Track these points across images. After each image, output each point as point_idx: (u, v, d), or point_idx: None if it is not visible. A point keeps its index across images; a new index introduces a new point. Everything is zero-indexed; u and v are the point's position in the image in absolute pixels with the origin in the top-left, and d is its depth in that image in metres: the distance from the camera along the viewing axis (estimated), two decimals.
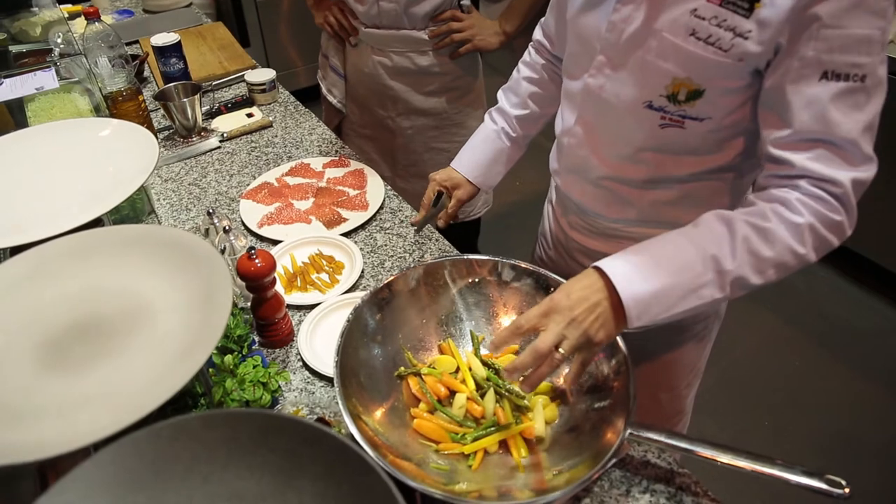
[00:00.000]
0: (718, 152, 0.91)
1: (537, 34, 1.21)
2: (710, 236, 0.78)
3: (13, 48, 1.96)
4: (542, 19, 1.19)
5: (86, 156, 1.06)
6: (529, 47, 1.23)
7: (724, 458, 0.73)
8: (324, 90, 1.86)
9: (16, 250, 0.86)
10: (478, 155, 1.26)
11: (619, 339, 0.84)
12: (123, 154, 1.04)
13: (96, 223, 0.93)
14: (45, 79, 1.40)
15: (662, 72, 0.84)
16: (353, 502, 0.54)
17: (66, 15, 2.01)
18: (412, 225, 1.27)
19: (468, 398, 0.87)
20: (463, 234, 2.17)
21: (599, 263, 0.79)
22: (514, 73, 1.25)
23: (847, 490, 0.69)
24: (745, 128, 0.88)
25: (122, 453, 0.55)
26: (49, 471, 0.83)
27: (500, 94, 1.27)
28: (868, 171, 0.76)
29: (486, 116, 1.28)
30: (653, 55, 0.83)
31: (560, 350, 0.75)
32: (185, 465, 0.57)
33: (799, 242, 0.76)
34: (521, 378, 0.78)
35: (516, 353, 0.94)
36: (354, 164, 1.47)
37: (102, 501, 0.54)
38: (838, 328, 2.44)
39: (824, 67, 0.72)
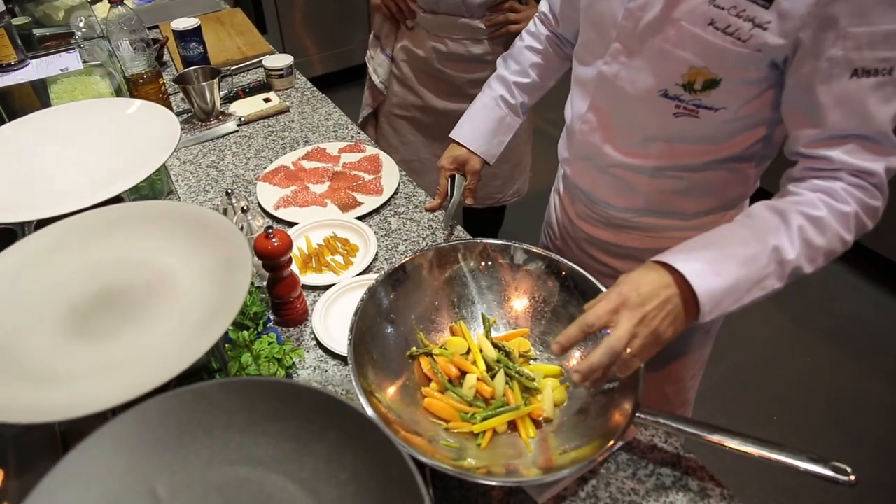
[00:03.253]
0: (731, 142, 0.92)
1: (543, 7, 1.20)
2: (767, 227, 0.79)
3: (37, 31, 1.99)
4: None
5: (109, 135, 1.08)
6: (535, 18, 1.23)
7: (732, 443, 0.74)
8: (370, 70, 1.86)
9: (41, 224, 0.88)
10: (477, 124, 1.24)
11: None
12: (145, 134, 1.06)
13: (116, 201, 0.95)
14: (69, 60, 1.42)
15: (679, 60, 0.84)
16: (367, 469, 0.55)
17: None
18: (427, 210, 1.28)
19: (478, 379, 0.88)
20: (489, 220, 2.19)
21: (666, 258, 0.78)
22: (517, 41, 1.24)
23: (853, 477, 0.70)
24: (760, 119, 0.89)
25: (147, 415, 0.57)
26: (70, 437, 0.86)
27: (499, 62, 1.26)
28: None
29: (485, 86, 1.27)
30: (670, 44, 0.84)
31: (628, 349, 0.74)
32: (206, 430, 0.59)
33: (846, 230, 0.78)
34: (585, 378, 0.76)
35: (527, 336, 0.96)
36: (370, 150, 1.48)
37: (128, 458, 0.56)
38: (849, 324, 2.43)
39: (854, 66, 0.73)
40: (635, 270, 0.79)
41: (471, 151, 1.23)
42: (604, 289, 0.89)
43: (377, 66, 1.83)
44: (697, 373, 1.29)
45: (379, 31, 1.81)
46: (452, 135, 1.26)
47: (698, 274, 0.76)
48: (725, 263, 0.77)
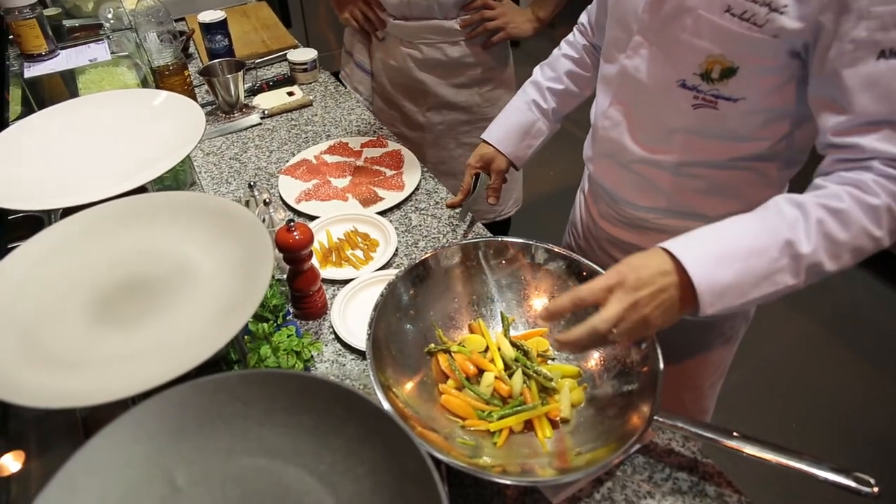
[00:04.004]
0: (753, 138, 0.90)
1: (583, 18, 1.21)
2: (782, 219, 0.74)
3: (66, 22, 2.02)
4: (589, 6, 1.19)
5: (135, 125, 1.10)
6: (574, 29, 1.23)
7: (750, 450, 0.73)
8: (349, 88, 1.85)
9: (67, 212, 0.90)
10: (506, 126, 1.25)
11: None
12: (171, 125, 1.07)
13: (140, 191, 0.96)
14: (98, 51, 1.44)
15: (696, 49, 0.84)
16: (384, 464, 0.56)
17: None
18: (448, 206, 1.27)
19: (496, 377, 0.88)
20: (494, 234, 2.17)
21: (668, 246, 0.75)
22: (556, 50, 1.25)
23: (876, 489, 0.68)
24: (782, 113, 0.87)
25: (167, 404, 0.57)
26: (91, 423, 0.87)
27: (536, 69, 1.27)
28: None
29: (519, 90, 1.28)
30: (687, 33, 0.84)
31: (614, 331, 0.72)
32: (225, 420, 0.59)
33: (875, 225, 0.73)
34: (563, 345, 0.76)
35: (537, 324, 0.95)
36: (392, 145, 1.49)
37: (148, 446, 0.56)
38: (873, 332, 2.39)
39: (881, 46, 0.70)
40: (640, 253, 0.77)
41: (498, 151, 1.23)
42: None
43: (356, 83, 1.81)
44: (717, 381, 1.27)
45: (350, 47, 1.79)
46: (483, 135, 1.27)
47: (699, 264, 0.73)
48: (730, 255, 0.73)
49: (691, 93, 0.88)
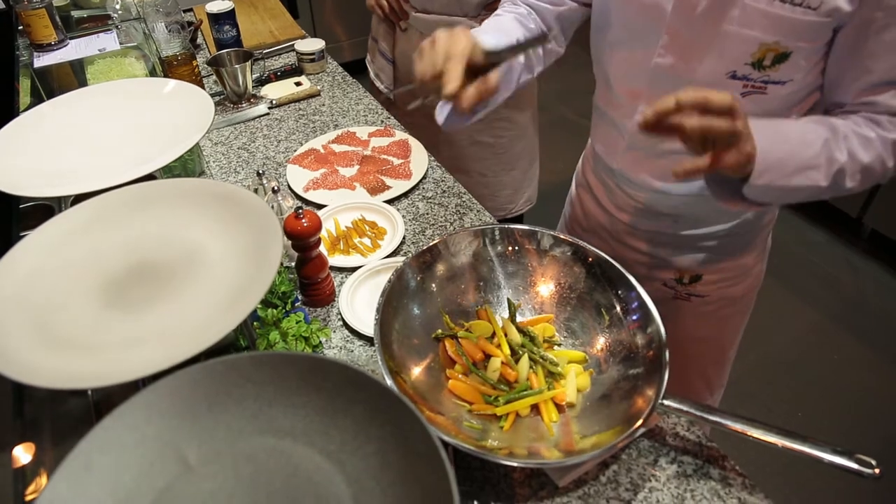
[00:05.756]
0: (790, 113, 0.92)
1: None
2: (825, 128, 0.81)
3: (75, 13, 2.03)
4: None
5: (144, 114, 1.11)
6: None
7: (756, 433, 0.74)
8: (371, 74, 1.86)
9: (77, 200, 0.91)
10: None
11: (653, 310, 0.85)
12: (180, 113, 1.08)
13: (149, 179, 0.97)
14: (106, 41, 1.45)
15: (747, 39, 0.83)
16: (393, 443, 0.56)
17: None
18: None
19: (503, 363, 0.89)
20: None
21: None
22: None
23: (878, 471, 0.69)
24: (816, 86, 0.89)
25: (179, 384, 0.58)
26: (104, 407, 0.88)
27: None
28: None
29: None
30: (735, 25, 0.83)
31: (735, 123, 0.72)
32: (236, 401, 0.60)
33: (891, 155, 0.81)
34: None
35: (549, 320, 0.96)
36: (399, 134, 1.49)
37: (160, 426, 0.58)
38: (879, 321, 2.39)
39: None
40: None
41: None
42: (631, 277, 0.89)
43: (378, 70, 1.81)
44: (733, 354, 1.30)
45: (376, 34, 1.79)
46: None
47: (762, 133, 0.76)
48: (786, 136, 0.79)
49: (741, 82, 0.87)
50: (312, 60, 1.78)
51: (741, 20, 0.82)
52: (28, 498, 0.80)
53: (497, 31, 0.99)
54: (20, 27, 1.86)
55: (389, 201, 1.29)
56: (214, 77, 1.67)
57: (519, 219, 1.97)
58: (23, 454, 0.86)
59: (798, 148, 0.78)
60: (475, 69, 0.84)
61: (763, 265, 1.18)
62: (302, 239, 0.98)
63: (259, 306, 0.95)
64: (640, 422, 0.74)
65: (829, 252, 2.70)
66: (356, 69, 1.95)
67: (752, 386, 2.16)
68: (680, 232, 1.10)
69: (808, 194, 0.82)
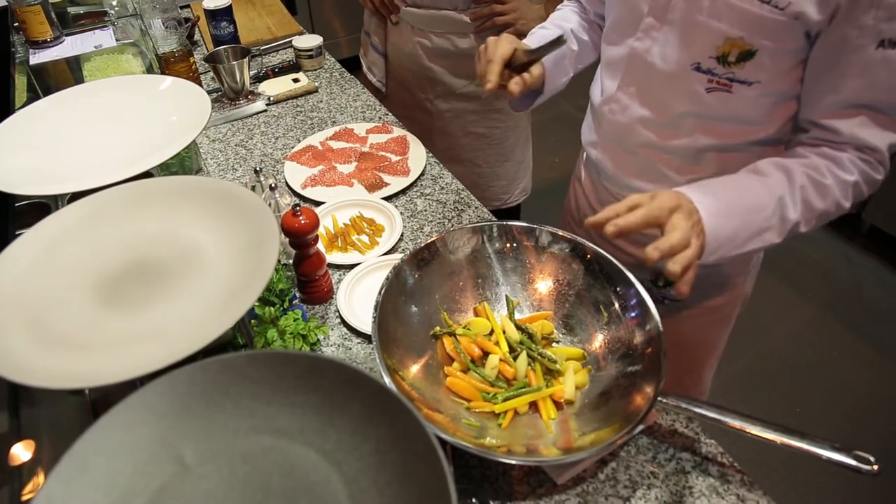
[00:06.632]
0: (764, 122, 0.91)
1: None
2: (775, 182, 0.81)
3: (71, 9, 2.02)
4: None
5: (141, 111, 1.10)
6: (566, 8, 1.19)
7: (754, 430, 0.74)
8: (364, 68, 1.86)
9: (74, 197, 0.90)
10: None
11: (652, 307, 0.85)
12: (176, 110, 1.07)
13: (146, 177, 0.97)
14: (103, 37, 1.44)
15: (714, 31, 0.83)
16: (390, 442, 0.56)
17: None
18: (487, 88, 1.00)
19: (501, 360, 0.89)
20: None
21: (685, 191, 0.79)
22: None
23: (875, 467, 0.69)
24: (790, 95, 0.88)
25: (175, 384, 0.58)
26: (101, 406, 0.88)
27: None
28: None
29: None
30: (705, 15, 0.83)
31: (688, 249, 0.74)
32: (233, 400, 0.60)
33: (845, 197, 0.83)
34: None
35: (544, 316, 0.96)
36: (397, 131, 1.49)
37: (156, 426, 0.57)
38: (876, 317, 2.39)
39: (882, 36, 0.73)
40: (665, 191, 0.79)
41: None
42: (629, 274, 0.89)
43: (371, 63, 1.81)
44: (714, 363, 1.28)
45: (368, 27, 1.79)
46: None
47: (711, 213, 0.77)
48: (735, 207, 0.79)
49: (705, 76, 0.88)
50: (310, 57, 1.78)
51: (710, 11, 0.83)
52: (24, 497, 0.80)
53: (551, 24, 1.15)
54: (16, 24, 1.85)
55: (387, 198, 1.28)
56: (212, 74, 1.67)
57: (515, 209, 1.99)
58: (21, 452, 0.86)
59: (748, 217, 0.79)
60: (522, 65, 0.99)
61: (748, 278, 1.16)
62: (299, 236, 0.97)
63: (256, 304, 0.95)
64: (638, 419, 0.74)
65: (828, 247, 2.70)
66: (354, 65, 1.94)
67: (749, 382, 2.16)
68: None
69: (763, 249, 0.84)
